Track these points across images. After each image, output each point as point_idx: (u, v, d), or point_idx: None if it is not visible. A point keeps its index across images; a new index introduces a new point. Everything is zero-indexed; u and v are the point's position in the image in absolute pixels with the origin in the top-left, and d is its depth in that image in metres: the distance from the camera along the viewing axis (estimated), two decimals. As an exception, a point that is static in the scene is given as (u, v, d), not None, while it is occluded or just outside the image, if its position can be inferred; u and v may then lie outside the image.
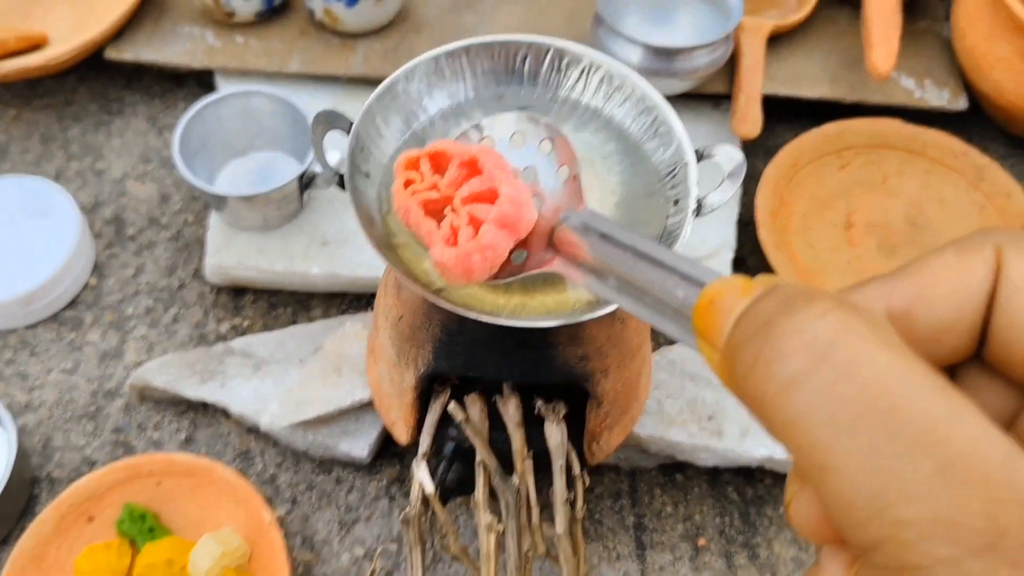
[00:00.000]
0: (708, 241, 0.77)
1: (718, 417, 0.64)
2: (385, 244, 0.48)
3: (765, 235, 0.76)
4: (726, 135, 0.84)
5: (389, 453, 0.68)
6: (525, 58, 0.54)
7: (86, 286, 0.76)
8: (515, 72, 0.54)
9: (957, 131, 0.85)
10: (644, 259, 0.30)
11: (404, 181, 0.40)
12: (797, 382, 0.19)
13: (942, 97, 0.86)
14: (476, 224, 0.37)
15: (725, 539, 0.66)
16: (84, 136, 0.85)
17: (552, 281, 0.48)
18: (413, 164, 0.40)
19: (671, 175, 0.51)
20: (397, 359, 0.57)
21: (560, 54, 0.53)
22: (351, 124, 0.50)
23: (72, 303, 0.75)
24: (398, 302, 0.55)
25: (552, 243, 0.38)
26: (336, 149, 0.58)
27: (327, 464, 0.68)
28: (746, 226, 0.80)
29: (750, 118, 0.80)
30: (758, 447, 0.63)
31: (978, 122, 0.90)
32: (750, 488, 0.69)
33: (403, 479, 0.67)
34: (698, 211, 0.49)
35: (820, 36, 0.89)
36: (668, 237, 0.49)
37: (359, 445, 0.66)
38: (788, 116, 0.87)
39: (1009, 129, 0.89)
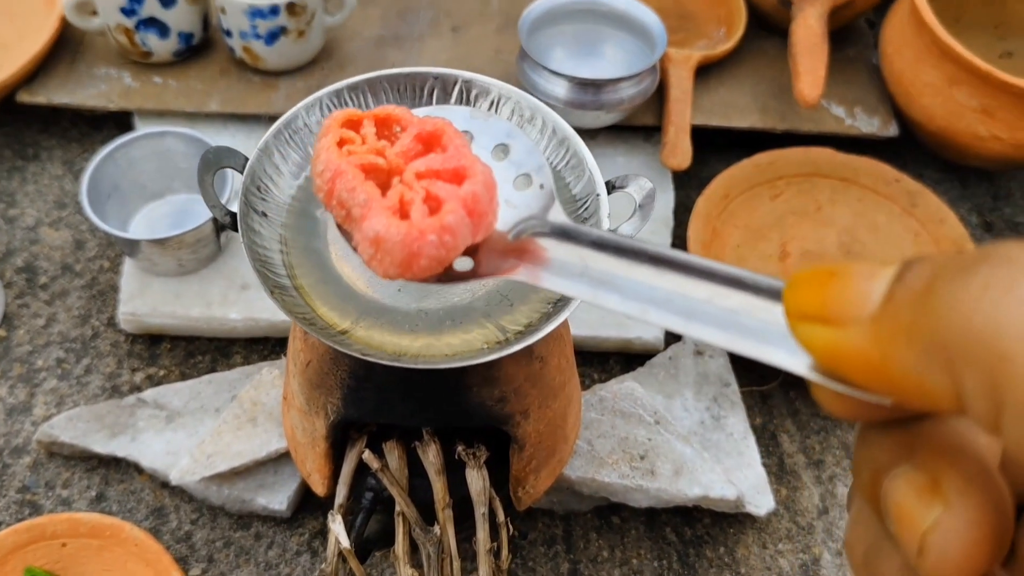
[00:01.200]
0: (641, 275, 0.76)
1: (650, 456, 0.62)
2: (282, 286, 0.45)
3: (698, 267, 0.75)
4: (658, 167, 0.83)
5: (311, 505, 0.65)
6: (432, 91, 0.52)
7: (-7, 338, 0.72)
8: (423, 105, 0.52)
9: (891, 158, 0.84)
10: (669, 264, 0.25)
11: (338, 140, 0.31)
12: None
13: (873, 124, 0.85)
14: (434, 204, 0.29)
15: (663, 583, 0.64)
16: (-4, 182, 0.82)
17: (461, 321, 0.46)
18: (354, 124, 0.32)
19: (584, 207, 0.49)
20: (307, 407, 0.54)
21: (468, 86, 0.52)
22: (246, 161, 0.47)
23: (-23, 357, 0.71)
24: (306, 347, 0.53)
25: (511, 251, 0.30)
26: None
27: (246, 519, 0.65)
28: (680, 258, 0.79)
29: (680, 150, 0.79)
30: (692, 486, 0.61)
31: (912, 148, 0.89)
32: (688, 529, 0.66)
33: (326, 532, 0.64)
34: (610, 244, 0.47)
35: (749, 66, 0.88)
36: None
37: (277, 498, 0.63)
38: (721, 147, 0.86)
39: (942, 154, 0.89)
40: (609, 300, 0.25)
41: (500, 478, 0.57)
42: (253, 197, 0.47)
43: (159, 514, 0.64)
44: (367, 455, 0.54)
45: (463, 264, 0.30)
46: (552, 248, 0.28)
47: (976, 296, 0.17)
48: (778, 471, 0.69)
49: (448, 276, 0.30)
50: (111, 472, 0.66)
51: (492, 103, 0.52)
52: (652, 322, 0.24)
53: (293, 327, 0.55)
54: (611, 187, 0.49)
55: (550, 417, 0.55)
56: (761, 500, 0.64)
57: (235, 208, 0.46)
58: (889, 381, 0.19)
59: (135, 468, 0.66)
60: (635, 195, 0.48)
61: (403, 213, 0.29)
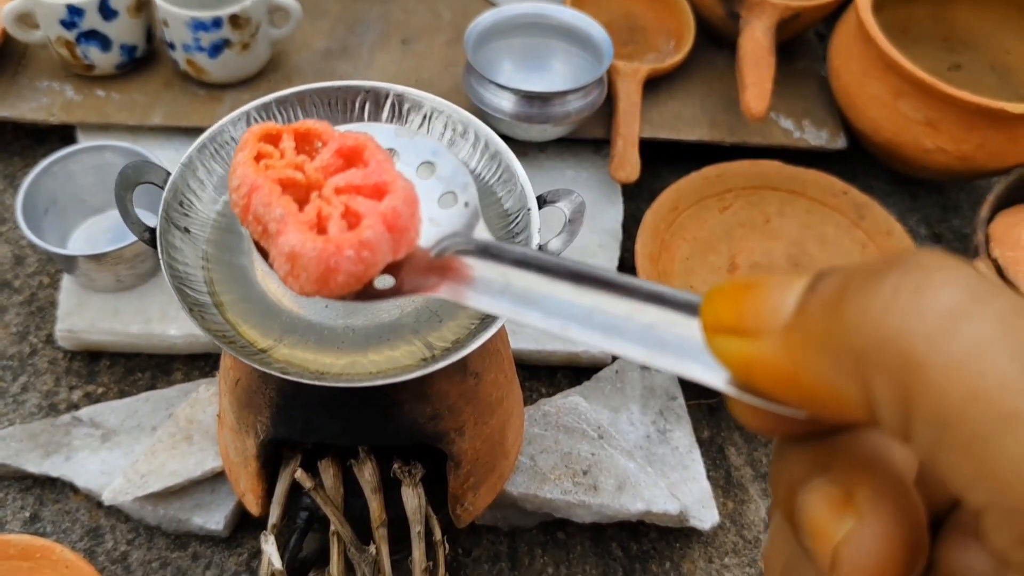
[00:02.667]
0: (588, 288, 0.75)
1: (593, 471, 0.62)
2: (201, 304, 0.45)
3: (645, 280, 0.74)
4: (607, 180, 0.82)
5: (250, 524, 0.64)
6: (364, 104, 0.52)
7: (-73, 357, 0.71)
8: (354, 119, 0.52)
9: (840, 170, 0.84)
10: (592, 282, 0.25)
11: (255, 154, 0.30)
12: (965, 313, 0.16)
13: (821, 137, 0.86)
14: (353, 219, 0.28)
15: (608, 599, 0.63)
16: (-66, 197, 0.80)
17: (388, 338, 0.46)
18: (273, 138, 0.31)
19: (515, 221, 0.49)
20: (237, 425, 0.53)
21: (400, 99, 0.51)
22: (168, 175, 0.47)
23: (-91, 375, 0.70)
24: (235, 364, 0.52)
25: (433, 268, 0.29)
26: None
27: (183, 539, 0.63)
28: (629, 271, 0.79)
29: (628, 163, 0.79)
30: (635, 501, 0.61)
31: (861, 160, 0.90)
32: (634, 543, 0.66)
33: (265, 552, 0.63)
34: (540, 258, 0.47)
35: (698, 79, 0.88)
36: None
37: (215, 518, 0.61)
38: (671, 160, 0.86)
39: (890, 166, 0.89)
40: (531, 317, 0.25)
41: (439, 496, 0.57)
42: (175, 212, 0.46)
43: (94, 534, 0.63)
44: (300, 474, 0.53)
45: (384, 282, 0.29)
46: (475, 266, 0.28)
47: (885, 301, 0.17)
48: (725, 484, 0.69)
49: (367, 294, 0.29)
50: (45, 492, 0.65)
51: (424, 117, 0.51)
52: (573, 339, 0.24)
53: (225, 344, 0.55)
54: (542, 202, 0.49)
55: (487, 433, 0.54)
56: (705, 514, 0.64)
57: (155, 224, 0.45)
58: (802, 392, 0.18)
59: (70, 488, 0.65)
60: (565, 210, 0.48)
61: (321, 228, 0.28)
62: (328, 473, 0.55)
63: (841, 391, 0.17)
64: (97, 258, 0.66)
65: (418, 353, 0.45)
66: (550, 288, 0.25)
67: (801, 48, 0.93)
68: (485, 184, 0.51)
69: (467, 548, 0.65)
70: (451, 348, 0.45)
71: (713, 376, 0.21)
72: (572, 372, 0.74)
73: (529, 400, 0.71)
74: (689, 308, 0.22)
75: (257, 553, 0.63)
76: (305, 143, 0.31)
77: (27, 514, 0.64)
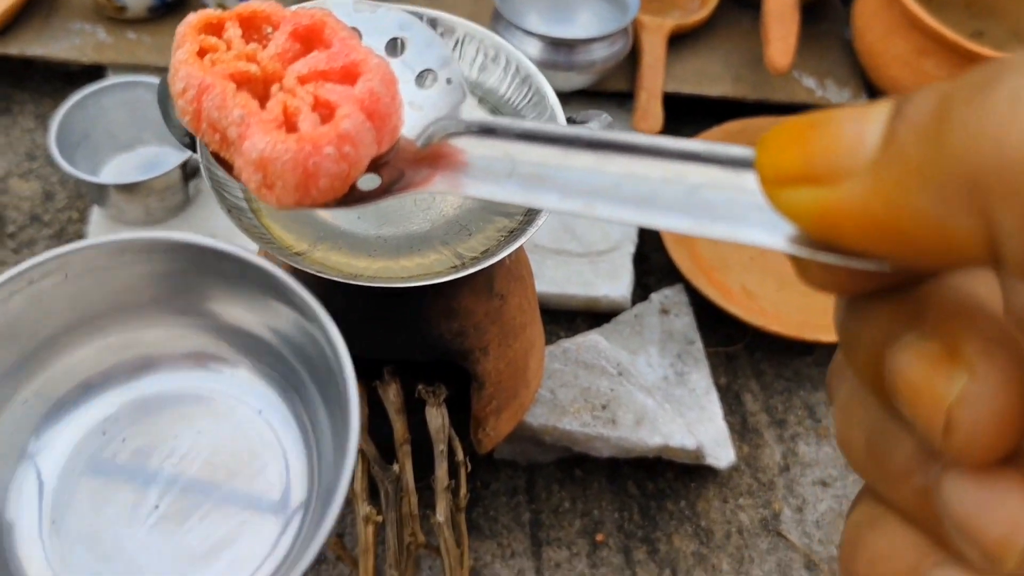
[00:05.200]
0: (610, 235, 0.76)
1: (612, 406, 0.63)
2: (239, 207, 0.46)
3: (666, 232, 0.75)
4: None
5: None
6: (399, 27, 0.52)
7: (-42, 284, 0.72)
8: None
9: (859, 130, 0.85)
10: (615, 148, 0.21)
11: (197, 49, 0.25)
12: None
13: (843, 95, 0.86)
14: (326, 110, 0.24)
15: (624, 534, 0.64)
16: (-34, 134, 0.81)
17: (419, 247, 0.47)
18: (214, 28, 0.26)
19: (545, 142, 0.50)
20: (268, 341, 0.54)
21: (433, 23, 0.52)
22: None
23: (-59, 302, 0.71)
24: (268, 279, 0.53)
25: (423, 158, 0.25)
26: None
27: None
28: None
29: (651, 114, 0.80)
30: (653, 435, 0.62)
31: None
32: (650, 482, 0.67)
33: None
34: (569, 175, 0.48)
35: (722, 36, 0.89)
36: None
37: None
38: (693, 115, 0.87)
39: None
40: (547, 199, 0.22)
41: (461, 424, 0.57)
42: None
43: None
44: (326, 391, 0.54)
45: (369, 183, 0.25)
46: (471, 148, 0.24)
47: (1003, 113, 0.14)
48: (741, 429, 0.70)
49: (353, 197, 0.25)
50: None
51: (457, 42, 0.52)
52: (600, 216, 0.21)
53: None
54: (571, 123, 0.50)
55: (511, 357, 0.55)
56: (721, 453, 0.65)
57: (195, 130, 0.46)
58: (898, 238, 0.16)
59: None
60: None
61: (290, 126, 0.24)
62: (353, 393, 0.56)
63: (952, 229, 0.15)
64: (128, 188, 0.67)
65: (447, 261, 0.46)
66: (565, 160, 0.22)
67: (824, 11, 0.94)
68: (515, 108, 0.51)
69: (486, 481, 0.66)
70: (479, 257, 0.46)
71: (774, 238, 0.18)
72: (591, 317, 0.75)
73: (549, 342, 0.72)
74: (738, 163, 0.19)
75: (279, 479, 0.64)
76: (253, 30, 0.27)
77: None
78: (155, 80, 0.72)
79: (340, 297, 0.49)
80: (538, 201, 0.22)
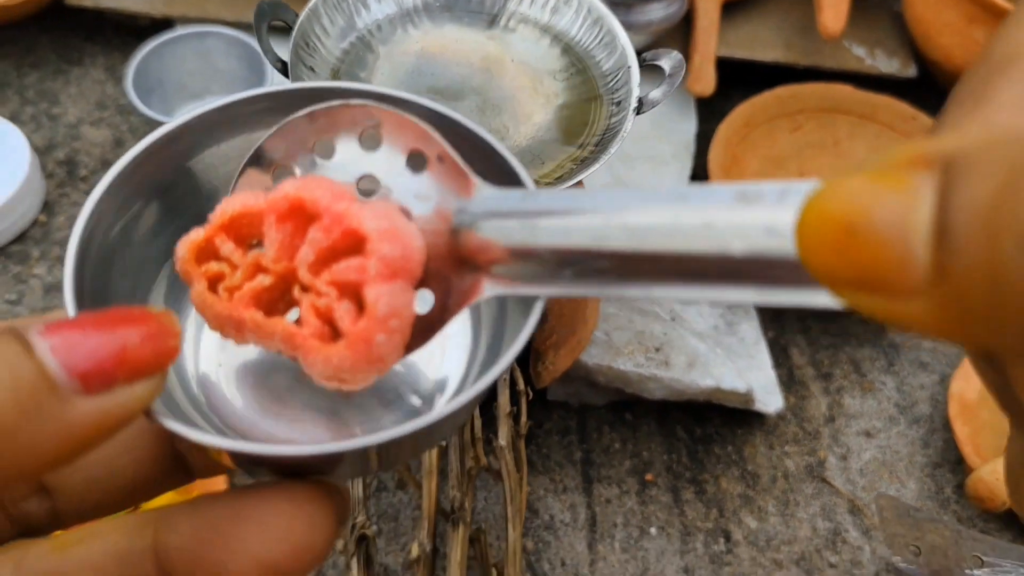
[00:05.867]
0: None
1: (665, 349, 0.65)
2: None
3: (717, 186, 0.77)
4: (682, 95, 0.85)
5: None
6: (469, -27, 0.54)
7: (35, 223, 0.75)
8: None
9: (910, 100, 0.86)
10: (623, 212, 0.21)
11: (206, 282, 0.25)
12: None
13: (892, 65, 0.87)
14: (352, 292, 0.24)
15: (672, 475, 0.66)
16: (42, 83, 0.85)
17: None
18: (207, 251, 0.26)
19: (614, 79, 0.52)
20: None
21: (509, -39, 0.54)
22: (296, 16, 0.50)
23: (20, 238, 0.74)
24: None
25: (463, 261, 0.24)
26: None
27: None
28: (702, 182, 0.81)
29: (704, 77, 0.82)
30: (705, 377, 0.63)
31: (931, 91, 0.91)
32: (699, 427, 0.69)
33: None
34: (639, 109, 0.50)
35: (775, 3, 0.90)
36: (610, 134, 0.50)
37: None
38: (744, 82, 0.88)
39: (958, 100, 0.91)
40: (596, 290, 0.22)
41: (522, 358, 0.60)
42: (302, 52, 0.50)
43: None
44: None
45: (425, 304, 0.25)
46: (500, 237, 0.23)
47: None
48: (787, 381, 0.72)
49: (421, 335, 0.25)
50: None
51: (531, -14, 0.54)
52: (671, 297, 0.20)
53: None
54: (642, 61, 0.52)
55: (572, 292, 0.57)
56: (770, 399, 0.66)
57: (287, 58, 0.49)
58: (983, 340, 0.14)
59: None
60: (665, 66, 0.51)
61: (330, 325, 0.24)
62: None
63: None
64: (201, 131, 0.70)
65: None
66: (600, 242, 0.21)
67: (875, -17, 0.95)
68: (586, 49, 0.53)
69: (539, 421, 0.68)
70: (553, 183, 0.48)
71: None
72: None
73: (601, 292, 0.74)
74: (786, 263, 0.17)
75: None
76: (241, 233, 0.26)
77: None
78: (227, 31, 0.75)
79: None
80: (594, 292, 0.22)
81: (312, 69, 0.50)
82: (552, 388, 0.68)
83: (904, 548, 0.55)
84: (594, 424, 0.68)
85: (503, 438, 0.55)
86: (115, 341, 0.20)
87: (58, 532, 0.23)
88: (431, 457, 0.55)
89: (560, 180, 0.48)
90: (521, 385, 0.57)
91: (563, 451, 0.67)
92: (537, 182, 0.48)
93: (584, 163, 0.48)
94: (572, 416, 0.69)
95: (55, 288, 0.71)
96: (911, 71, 0.87)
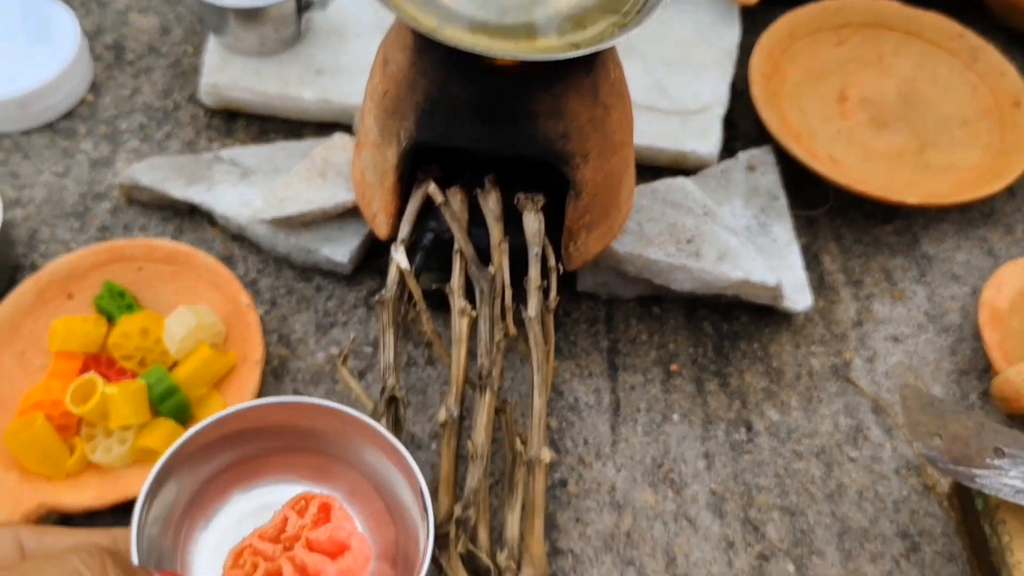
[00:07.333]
0: (700, 96, 0.78)
1: (696, 241, 0.65)
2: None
3: (758, 92, 0.77)
4: (727, 2, 0.84)
5: (370, 268, 0.69)
6: None
7: (82, 101, 0.76)
8: None
9: (955, 17, 0.85)
10: None
11: None
12: None
13: (942, -18, 0.86)
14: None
15: (697, 367, 0.67)
16: (90, -29, 0.86)
17: (536, 36, 0.49)
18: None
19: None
20: (380, 138, 0.57)
21: None
22: None
23: (68, 115, 0.76)
24: (384, 78, 0.56)
25: None
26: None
27: (308, 272, 0.68)
28: (738, 93, 0.81)
29: (750, -15, 0.81)
30: (735, 270, 0.64)
31: (977, 9, 0.90)
32: (725, 324, 0.69)
33: (384, 278, 0.68)
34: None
35: (825, -83, 0.89)
36: (645, 8, 0.50)
37: (340, 251, 0.66)
38: (786, 3, 0.88)
39: (1006, 22, 0.89)
40: None
41: (554, 240, 0.60)
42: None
43: (228, 262, 0.68)
44: (432, 188, 0.58)
45: None
46: None
47: None
48: (818, 285, 0.72)
49: None
50: (185, 222, 0.70)
51: None
52: None
53: (372, 67, 0.59)
54: None
55: (608, 171, 0.58)
56: (799, 297, 0.67)
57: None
58: None
59: (208, 220, 0.70)
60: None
61: None
62: (456, 199, 0.59)
63: None
64: (247, 14, 0.71)
65: (564, 51, 0.48)
66: None
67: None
68: None
69: (568, 310, 0.69)
70: (594, 43, 0.48)
71: None
72: (677, 173, 0.77)
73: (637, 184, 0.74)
74: None
75: (374, 292, 0.68)
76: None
77: (167, 239, 0.70)
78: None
79: (457, 83, 0.52)
80: None
81: None
82: (582, 278, 0.69)
83: (927, 436, 0.55)
84: (622, 316, 0.69)
85: (532, 309, 0.56)
86: None
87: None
88: (461, 326, 0.56)
89: (601, 41, 0.48)
90: (552, 262, 0.58)
91: (590, 339, 0.67)
92: (578, 45, 0.49)
93: (624, 28, 0.49)
94: (600, 307, 0.69)
95: (101, 163, 0.73)
96: (961, -11, 0.86)
